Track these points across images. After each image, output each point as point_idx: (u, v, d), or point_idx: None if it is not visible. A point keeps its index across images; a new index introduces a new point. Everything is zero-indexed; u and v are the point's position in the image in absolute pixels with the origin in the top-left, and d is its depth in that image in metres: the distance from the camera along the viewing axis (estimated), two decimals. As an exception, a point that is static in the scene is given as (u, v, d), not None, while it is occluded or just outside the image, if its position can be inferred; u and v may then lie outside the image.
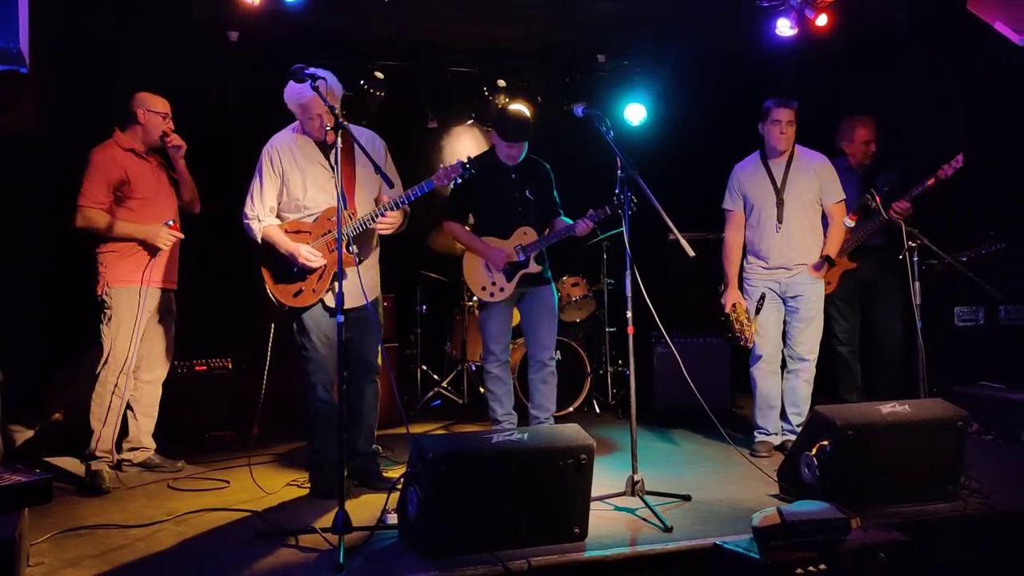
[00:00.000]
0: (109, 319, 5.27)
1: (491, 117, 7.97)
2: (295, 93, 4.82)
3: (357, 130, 4.89)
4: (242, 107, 7.22)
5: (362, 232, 4.88)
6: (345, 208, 4.79)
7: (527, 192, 5.69)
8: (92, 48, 6.49)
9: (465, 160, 4.85)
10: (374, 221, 4.84)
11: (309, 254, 4.79)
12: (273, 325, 5.11)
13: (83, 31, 6.38)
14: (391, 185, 4.62)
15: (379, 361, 5.16)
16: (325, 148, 4.92)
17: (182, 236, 5.46)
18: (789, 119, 5.70)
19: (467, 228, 5.83)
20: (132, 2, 6.40)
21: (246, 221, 4.94)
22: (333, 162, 4.50)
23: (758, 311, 5.77)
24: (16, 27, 4.00)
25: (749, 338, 5.79)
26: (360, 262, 4.75)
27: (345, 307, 4.26)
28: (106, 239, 5.29)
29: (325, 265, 4.85)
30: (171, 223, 5.40)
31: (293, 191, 4.92)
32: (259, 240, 4.93)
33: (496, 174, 5.65)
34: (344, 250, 4.59)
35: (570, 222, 5.61)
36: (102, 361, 5.27)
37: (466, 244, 5.79)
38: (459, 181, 4.96)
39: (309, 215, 4.93)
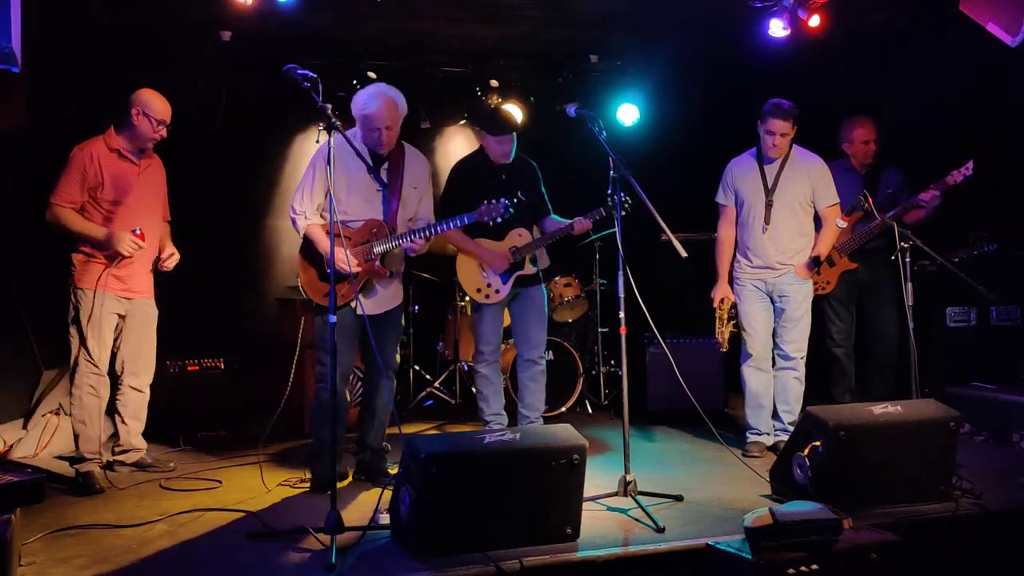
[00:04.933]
0: (73, 318, 5.25)
1: (478, 117, 7.99)
2: (360, 103, 4.92)
3: (409, 148, 5.16)
4: (233, 108, 7.22)
5: (396, 248, 5.01)
6: (387, 222, 5.01)
7: (519, 193, 5.69)
8: (84, 47, 6.48)
9: (509, 201, 4.99)
10: (410, 240, 4.95)
11: (344, 260, 4.82)
12: (303, 323, 5.44)
13: (76, 30, 6.36)
14: (385, 186, 4.76)
15: (397, 359, 5.26)
16: (378, 161, 5.01)
17: (144, 246, 5.30)
18: (784, 131, 5.68)
19: (462, 231, 5.82)
20: (125, 1, 6.39)
21: (293, 215, 5.08)
22: (329, 164, 4.59)
23: (731, 319, 5.81)
24: (9, 26, 3.99)
25: (722, 343, 5.84)
26: (391, 275, 5.06)
27: (374, 312, 4.96)
28: (77, 239, 5.25)
29: (358, 273, 4.93)
30: (138, 231, 5.26)
31: (338, 193, 4.98)
32: (301, 235, 5.08)
33: (487, 176, 5.64)
34: (379, 263, 4.95)
35: (563, 221, 5.62)
36: (71, 361, 5.26)
37: (463, 248, 5.76)
38: (499, 220, 5.07)
39: (351, 220, 5.02)
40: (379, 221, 4.98)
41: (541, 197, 5.83)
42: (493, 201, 4.96)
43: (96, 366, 5.25)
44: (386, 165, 5.04)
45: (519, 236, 5.69)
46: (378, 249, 4.94)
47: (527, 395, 5.77)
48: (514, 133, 5.63)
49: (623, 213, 4.95)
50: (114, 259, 5.25)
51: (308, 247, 5.09)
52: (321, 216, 5.07)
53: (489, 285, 5.68)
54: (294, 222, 5.08)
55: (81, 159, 5.24)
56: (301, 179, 5.11)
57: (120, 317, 5.40)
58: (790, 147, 5.82)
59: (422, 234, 4.96)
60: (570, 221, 5.57)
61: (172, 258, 5.58)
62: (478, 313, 5.76)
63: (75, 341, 5.25)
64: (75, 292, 5.25)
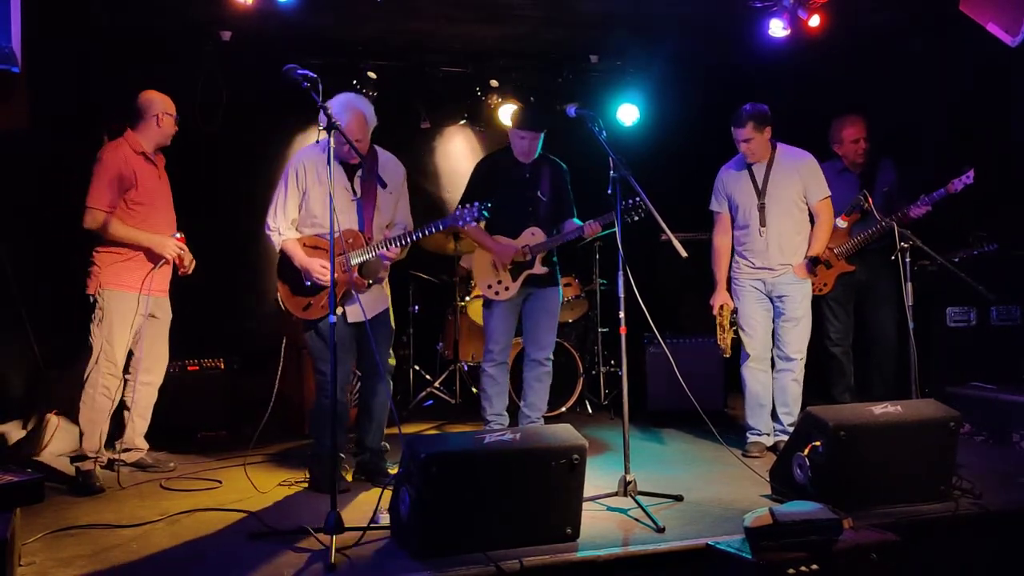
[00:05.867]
0: (100, 320, 5.23)
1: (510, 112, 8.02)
2: (333, 112, 4.88)
3: (383, 153, 5.15)
4: (233, 108, 7.22)
5: (374, 257, 5.00)
6: (362, 231, 5.00)
7: (539, 192, 5.71)
8: (84, 47, 6.47)
9: (483, 204, 4.95)
10: (386, 249, 4.95)
11: (323, 269, 4.85)
12: (285, 337, 5.45)
13: (76, 30, 6.36)
14: (384, 186, 4.79)
15: (391, 361, 5.27)
16: (350, 170, 5.02)
17: (186, 250, 5.46)
18: (746, 137, 5.66)
19: (481, 227, 5.82)
20: (125, 1, 6.39)
21: (267, 231, 5.07)
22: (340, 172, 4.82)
23: (732, 324, 5.81)
24: (9, 26, 3.99)
25: (724, 349, 5.83)
26: (370, 285, 5.03)
27: (361, 319, 4.80)
28: (109, 241, 5.25)
29: (336, 282, 4.89)
30: (178, 235, 5.41)
31: (312, 207, 5.00)
32: (278, 251, 5.07)
33: (510, 172, 5.69)
34: (356, 274, 4.93)
35: (580, 224, 5.62)
36: (91, 362, 5.24)
37: (479, 242, 5.81)
38: (473, 224, 5.08)
39: (326, 232, 4.95)
40: (355, 231, 4.97)
41: (566, 198, 5.85)
42: (468, 205, 4.96)
43: (116, 367, 5.26)
44: (359, 173, 5.02)
45: (532, 235, 5.71)
46: (355, 260, 4.94)
47: (530, 394, 5.78)
48: (542, 134, 5.65)
49: (636, 219, 4.99)
50: (156, 262, 5.29)
51: (284, 262, 5.07)
52: (297, 230, 5.07)
53: (499, 282, 5.70)
54: (269, 238, 5.07)
55: (115, 162, 5.24)
56: (273, 193, 5.09)
57: (142, 316, 5.40)
58: (773, 147, 5.80)
59: (397, 242, 4.95)
60: (581, 224, 5.58)
61: (192, 264, 5.60)
62: (488, 310, 5.80)
63: (97, 342, 5.24)
64: (100, 293, 5.25)
